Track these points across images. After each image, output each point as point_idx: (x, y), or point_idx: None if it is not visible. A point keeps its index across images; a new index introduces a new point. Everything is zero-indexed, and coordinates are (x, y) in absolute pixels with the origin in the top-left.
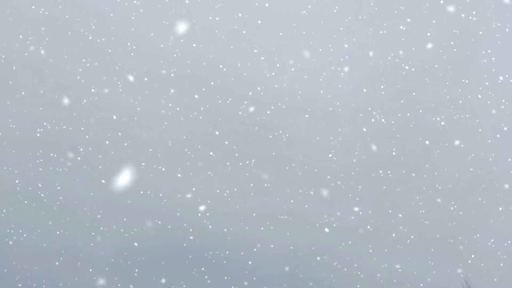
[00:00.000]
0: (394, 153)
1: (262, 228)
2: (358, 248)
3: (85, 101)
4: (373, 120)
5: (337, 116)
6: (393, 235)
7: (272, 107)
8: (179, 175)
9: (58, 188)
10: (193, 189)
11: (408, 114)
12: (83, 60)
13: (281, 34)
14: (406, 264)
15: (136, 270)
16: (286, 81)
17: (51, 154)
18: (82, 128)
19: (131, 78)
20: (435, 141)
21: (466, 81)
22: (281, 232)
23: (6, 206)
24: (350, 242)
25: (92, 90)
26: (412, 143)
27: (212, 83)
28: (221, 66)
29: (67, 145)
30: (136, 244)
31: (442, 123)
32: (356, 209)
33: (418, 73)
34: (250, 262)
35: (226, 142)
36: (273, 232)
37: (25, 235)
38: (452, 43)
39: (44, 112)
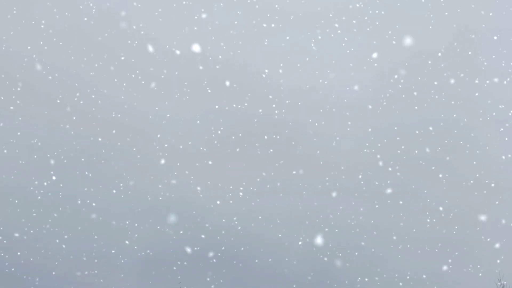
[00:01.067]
0: (416, 151)
1: (282, 226)
2: (378, 248)
3: (112, 110)
4: (392, 116)
5: (357, 114)
6: (417, 233)
7: (289, 107)
8: (199, 176)
9: (86, 189)
10: (213, 190)
11: (424, 112)
12: (96, 65)
13: (295, 33)
14: (429, 265)
15: (162, 271)
16: (301, 80)
17: (74, 159)
18: (107, 135)
19: (152, 84)
20: (462, 140)
21: (494, 80)
22: (302, 230)
23: (33, 212)
24: (371, 241)
25: (105, 91)
26: (445, 142)
27: (227, 84)
28: (236, 68)
29: (94, 152)
30: (160, 245)
31: (465, 119)
32: (377, 206)
33: (437, 69)
34: (270, 260)
35: (246, 145)
36: (294, 230)
37: (57, 240)
38: (473, 36)
39: (63, 119)
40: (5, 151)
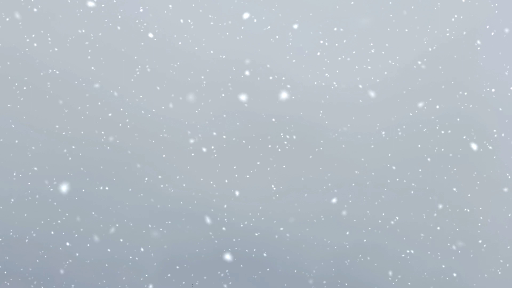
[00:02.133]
0: (442, 149)
1: (302, 227)
2: (403, 248)
3: (125, 113)
4: (420, 108)
5: (381, 112)
6: (443, 232)
7: (310, 106)
8: (218, 177)
9: (107, 190)
10: (237, 191)
11: (452, 108)
12: (108, 70)
13: (312, 31)
14: (459, 268)
15: (187, 274)
16: (321, 79)
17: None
18: (130, 140)
19: (160, 85)
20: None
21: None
22: (325, 230)
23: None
24: (396, 241)
25: (115, 94)
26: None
27: (242, 84)
28: (249, 66)
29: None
30: (185, 247)
31: (483, 118)
32: (401, 201)
33: (464, 63)
34: (288, 257)
35: (269, 146)
36: (318, 231)
37: (82, 243)
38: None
39: (84, 125)
40: (29, 154)
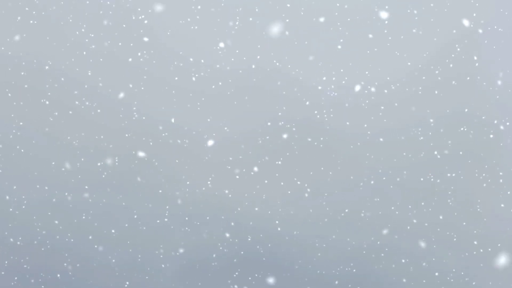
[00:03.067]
0: (461, 153)
1: (321, 228)
2: (435, 250)
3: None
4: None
5: (400, 114)
6: (460, 234)
7: (331, 109)
8: (239, 182)
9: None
10: (251, 194)
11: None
12: (117, 76)
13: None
14: (480, 272)
15: (203, 278)
16: (330, 80)
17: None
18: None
19: (170, 90)
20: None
21: None
22: (344, 231)
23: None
24: (428, 242)
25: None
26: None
27: (266, 89)
28: (273, 74)
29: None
30: (208, 251)
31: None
32: (424, 210)
33: (473, 61)
34: (302, 260)
35: (296, 147)
36: (336, 231)
37: (101, 248)
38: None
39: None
40: (53, 163)
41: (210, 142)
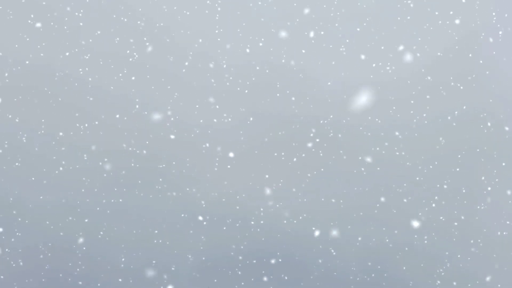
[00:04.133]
0: (478, 150)
1: (336, 227)
2: (441, 247)
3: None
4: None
5: (418, 106)
6: (481, 233)
7: (337, 107)
8: (251, 180)
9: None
10: (268, 191)
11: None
12: (143, 79)
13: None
14: (493, 272)
15: (222, 276)
16: (339, 78)
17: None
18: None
19: (184, 90)
20: None
21: None
22: (361, 228)
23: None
24: (434, 240)
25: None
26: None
27: (277, 87)
28: (287, 71)
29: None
30: (221, 251)
31: None
32: (443, 203)
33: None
34: (322, 260)
35: (310, 145)
36: (353, 229)
37: (119, 250)
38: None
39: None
40: (70, 167)
41: (223, 146)
